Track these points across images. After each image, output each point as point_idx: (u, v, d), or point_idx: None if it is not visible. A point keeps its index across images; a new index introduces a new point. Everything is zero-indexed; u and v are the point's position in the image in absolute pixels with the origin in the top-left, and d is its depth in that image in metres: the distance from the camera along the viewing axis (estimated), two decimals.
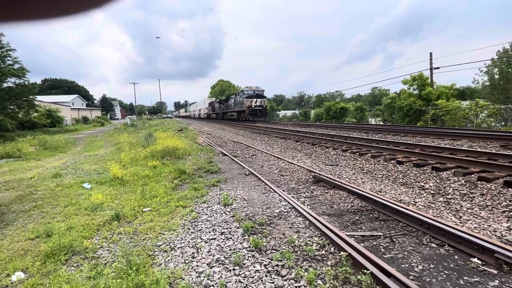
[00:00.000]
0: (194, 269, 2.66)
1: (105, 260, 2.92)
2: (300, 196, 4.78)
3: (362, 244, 2.95)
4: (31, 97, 23.15)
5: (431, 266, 2.58)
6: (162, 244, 3.19)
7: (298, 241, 3.08)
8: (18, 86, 21.54)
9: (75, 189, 5.83)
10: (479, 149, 7.34)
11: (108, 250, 3.15)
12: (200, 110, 64.89)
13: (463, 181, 4.97)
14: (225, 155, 9.36)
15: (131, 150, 10.32)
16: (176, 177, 6.43)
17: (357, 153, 8.21)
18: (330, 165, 7.22)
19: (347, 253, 2.62)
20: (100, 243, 3.31)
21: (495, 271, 2.42)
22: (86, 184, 6.11)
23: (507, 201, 3.98)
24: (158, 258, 2.90)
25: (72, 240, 3.23)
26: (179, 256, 2.92)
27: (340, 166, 7.08)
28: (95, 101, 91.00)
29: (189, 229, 3.59)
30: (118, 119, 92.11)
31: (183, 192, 5.19)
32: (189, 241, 3.24)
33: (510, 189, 4.37)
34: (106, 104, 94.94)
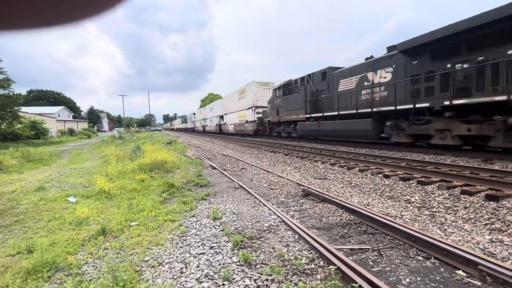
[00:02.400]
0: (183, 285, 2.61)
1: (90, 276, 2.84)
2: (290, 209, 4.79)
3: (351, 258, 2.98)
4: (16, 108, 22.66)
5: (418, 278, 2.62)
6: (149, 259, 3.12)
7: (288, 255, 3.07)
8: (2, 97, 21.09)
9: (59, 203, 5.67)
10: (461, 163, 7.58)
11: (94, 266, 3.06)
12: (225, 114, 34.05)
13: (447, 195, 5.11)
14: (215, 168, 9.32)
15: (118, 163, 10.15)
16: (164, 190, 6.35)
17: (345, 167, 8.33)
18: (319, 179, 7.29)
19: (336, 267, 2.64)
20: (85, 258, 3.22)
21: (479, 283, 2.48)
22: (71, 197, 5.96)
23: (489, 214, 4.11)
24: (145, 273, 2.84)
25: (55, 256, 3.13)
26: (167, 271, 2.87)
27: (329, 180, 7.16)
28: (82, 113, 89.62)
29: (177, 243, 3.54)
30: (105, 131, 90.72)
31: (172, 206, 5.12)
32: (177, 256, 3.18)
33: (491, 203, 4.52)
34: (94, 116, 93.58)
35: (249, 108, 25.90)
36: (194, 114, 61.35)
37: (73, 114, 71.41)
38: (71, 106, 77.00)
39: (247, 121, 26.79)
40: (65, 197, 6.02)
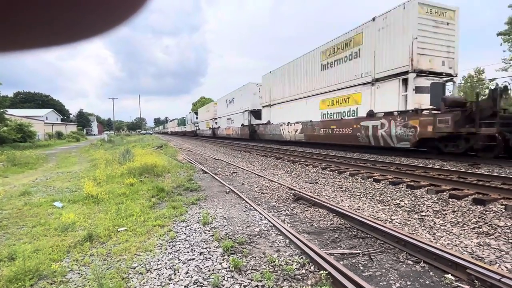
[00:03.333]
0: None
1: (75, 284, 2.75)
2: (281, 214, 4.77)
3: (341, 262, 2.97)
4: (1, 110, 22.13)
5: (408, 283, 2.63)
6: (137, 266, 3.05)
7: (279, 260, 3.04)
8: None
9: (45, 208, 5.51)
10: (449, 168, 7.71)
11: (79, 273, 2.97)
12: (271, 106, 20.40)
13: (435, 199, 5.17)
14: (206, 172, 9.25)
15: (107, 167, 9.98)
16: (154, 195, 6.25)
17: (336, 171, 8.37)
18: (310, 183, 7.30)
19: (327, 272, 2.62)
20: (70, 266, 3.12)
21: (467, 287, 2.50)
22: (57, 202, 5.81)
23: (476, 218, 4.17)
24: (132, 281, 2.76)
25: (38, 263, 3.03)
26: (155, 278, 2.80)
27: (320, 184, 7.17)
28: (71, 116, 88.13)
29: (166, 249, 3.47)
30: (94, 134, 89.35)
31: (161, 211, 5.04)
32: (166, 262, 3.12)
33: (478, 206, 4.59)
34: (83, 119, 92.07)
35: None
36: (196, 113, 48.58)
37: (61, 117, 70.07)
38: (59, 109, 75.62)
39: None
40: (51, 202, 5.86)
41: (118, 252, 3.40)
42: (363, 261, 3.06)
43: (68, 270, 3.02)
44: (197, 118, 47.08)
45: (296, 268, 2.88)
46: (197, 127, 46.39)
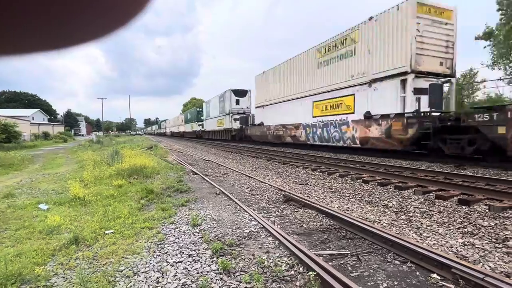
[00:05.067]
0: None
1: None
2: (271, 215, 4.77)
3: (330, 263, 2.98)
4: None
5: (395, 283, 2.66)
6: (124, 269, 3.00)
7: (268, 262, 3.04)
8: None
9: (29, 210, 5.37)
10: (436, 169, 7.87)
11: (64, 277, 2.90)
12: None
13: (422, 200, 5.27)
14: (196, 173, 9.18)
15: (95, 169, 9.80)
16: (143, 196, 6.17)
17: (326, 172, 8.44)
18: (300, 184, 7.33)
19: (315, 273, 2.63)
20: (55, 269, 3.04)
21: (452, 286, 2.54)
22: (43, 205, 5.66)
23: (461, 218, 4.27)
24: (119, 284, 2.71)
25: (21, 267, 2.94)
26: (142, 281, 2.76)
27: (310, 185, 7.21)
28: (59, 116, 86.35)
29: (154, 252, 3.42)
30: (83, 135, 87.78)
31: (150, 213, 4.98)
32: (154, 265, 3.08)
33: (463, 207, 4.70)
34: (71, 120, 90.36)
35: None
36: (233, 92, 25.90)
37: (48, 117, 68.59)
38: (46, 109, 74.08)
39: None
40: (36, 204, 5.72)
41: (104, 255, 3.34)
42: (352, 262, 3.09)
43: (52, 274, 2.95)
44: (237, 104, 25.95)
45: (285, 270, 2.88)
46: (233, 122, 25.26)
